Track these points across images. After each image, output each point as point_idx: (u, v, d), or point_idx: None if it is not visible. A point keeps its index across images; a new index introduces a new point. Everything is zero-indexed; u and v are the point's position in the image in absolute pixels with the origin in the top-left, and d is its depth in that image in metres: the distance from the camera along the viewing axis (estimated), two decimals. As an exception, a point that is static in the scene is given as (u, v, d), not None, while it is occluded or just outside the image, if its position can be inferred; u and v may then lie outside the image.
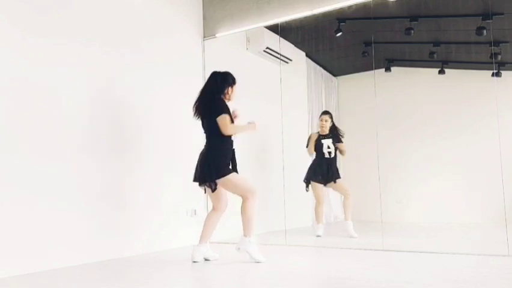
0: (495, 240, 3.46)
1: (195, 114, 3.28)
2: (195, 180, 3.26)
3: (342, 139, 4.40)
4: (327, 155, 4.42)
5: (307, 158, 4.77)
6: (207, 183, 3.15)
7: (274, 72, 4.45)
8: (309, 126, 4.79)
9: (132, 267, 3.01)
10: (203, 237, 3.25)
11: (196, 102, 3.27)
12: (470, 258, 3.04)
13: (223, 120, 3.11)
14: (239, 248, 3.14)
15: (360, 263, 2.97)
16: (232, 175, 3.14)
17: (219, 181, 3.12)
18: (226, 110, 3.15)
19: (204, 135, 3.28)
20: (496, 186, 3.27)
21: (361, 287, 2.22)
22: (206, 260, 3.23)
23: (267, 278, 2.54)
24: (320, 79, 4.89)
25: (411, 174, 4.37)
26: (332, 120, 4.48)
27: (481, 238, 3.82)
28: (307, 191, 4.46)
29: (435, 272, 2.57)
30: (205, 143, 3.27)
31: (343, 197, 4.38)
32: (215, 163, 3.13)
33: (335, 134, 4.44)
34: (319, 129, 4.52)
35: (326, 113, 4.54)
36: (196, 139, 4.42)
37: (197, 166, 3.24)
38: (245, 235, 3.14)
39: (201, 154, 3.25)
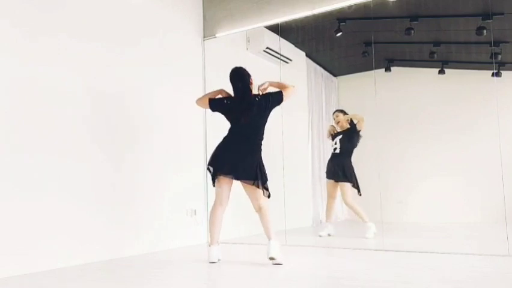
0: (495, 240, 3.46)
1: (241, 117, 3.14)
2: (231, 174, 3.09)
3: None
4: (332, 150, 4.44)
5: (307, 158, 4.77)
6: (257, 183, 3.06)
7: (274, 72, 4.44)
8: (309, 126, 4.80)
9: (132, 267, 3.01)
10: (216, 237, 3.17)
11: (241, 104, 3.15)
12: (470, 258, 3.04)
13: (291, 88, 3.24)
14: (278, 255, 2.96)
15: (360, 263, 2.97)
16: None
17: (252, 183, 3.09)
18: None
19: (237, 130, 3.16)
20: (496, 186, 3.27)
21: (361, 287, 2.22)
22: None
23: (267, 278, 2.54)
24: (320, 79, 4.89)
25: (411, 174, 4.37)
26: (345, 114, 4.45)
27: (481, 238, 3.82)
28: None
29: (435, 272, 2.57)
30: (238, 139, 3.14)
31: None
32: (263, 165, 3.16)
33: (349, 130, 4.38)
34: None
35: (336, 111, 4.56)
36: (197, 139, 4.44)
37: (235, 160, 3.07)
38: (275, 238, 3.04)
39: (242, 149, 3.10)
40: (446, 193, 4.15)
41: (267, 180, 3.14)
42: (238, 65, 3.27)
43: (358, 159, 4.38)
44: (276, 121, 4.40)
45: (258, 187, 3.08)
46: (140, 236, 3.68)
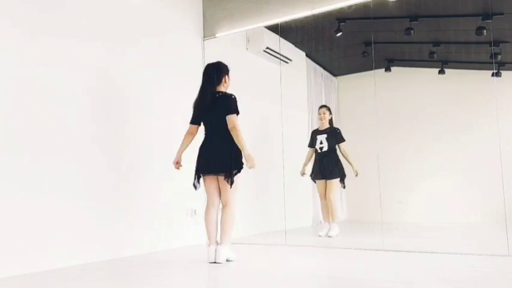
0: (495, 240, 3.46)
1: (200, 109, 3.23)
2: (208, 171, 3.15)
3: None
4: (318, 150, 4.44)
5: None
6: (228, 174, 3.06)
7: (274, 72, 4.45)
8: (309, 125, 4.80)
9: (132, 267, 3.01)
10: (214, 237, 3.17)
11: (204, 98, 3.20)
12: (470, 258, 3.04)
13: (236, 119, 3.12)
14: (224, 260, 3.07)
15: (360, 263, 2.97)
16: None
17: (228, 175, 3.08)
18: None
19: (208, 128, 3.23)
20: (496, 186, 3.27)
21: (361, 287, 2.22)
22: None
23: (267, 278, 2.54)
24: (320, 79, 4.89)
25: (411, 174, 4.37)
26: (331, 113, 4.48)
27: (480, 238, 3.82)
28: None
29: (435, 272, 2.57)
30: (210, 137, 3.20)
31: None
32: (237, 155, 3.10)
33: (331, 129, 4.43)
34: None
35: (322, 106, 4.56)
36: (196, 139, 4.43)
37: (208, 157, 3.14)
38: (226, 243, 3.08)
39: (213, 146, 3.15)
40: (446, 193, 4.15)
41: (237, 171, 3.10)
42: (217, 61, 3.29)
43: (358, 159, 4.38)
44: (275, 121, 4.41)
45: (224, 179, 3.09)
46: (140, 236, 3.68)
